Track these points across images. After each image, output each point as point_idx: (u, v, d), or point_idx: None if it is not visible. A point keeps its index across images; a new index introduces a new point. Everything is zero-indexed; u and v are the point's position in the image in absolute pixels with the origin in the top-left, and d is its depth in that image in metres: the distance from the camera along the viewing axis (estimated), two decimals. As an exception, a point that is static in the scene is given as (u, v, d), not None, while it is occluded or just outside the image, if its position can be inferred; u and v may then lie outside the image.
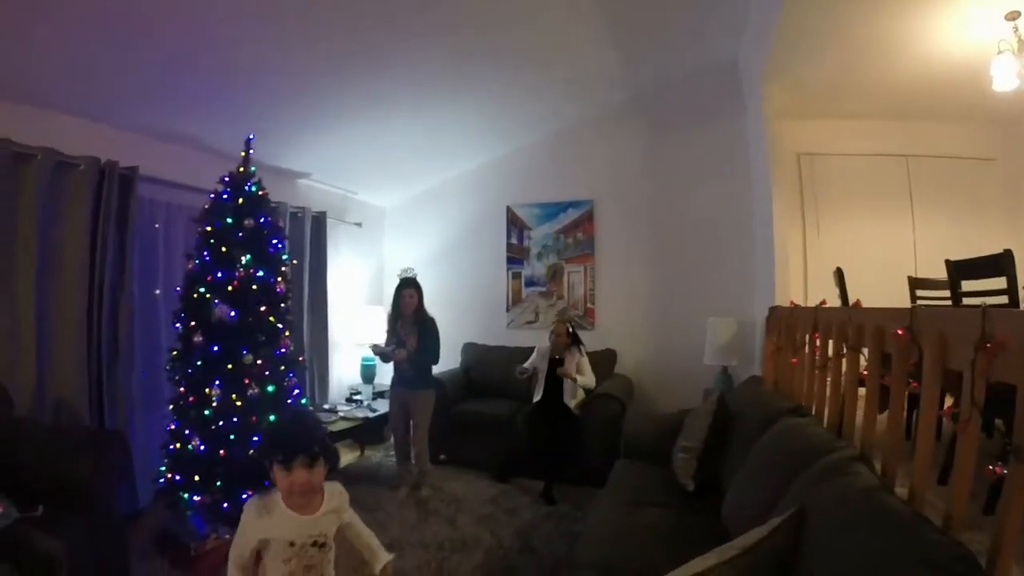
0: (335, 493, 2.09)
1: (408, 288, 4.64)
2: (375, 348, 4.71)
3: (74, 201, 3.83)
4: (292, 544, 1.94)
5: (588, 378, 4.96)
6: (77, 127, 3.94)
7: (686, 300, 5.75)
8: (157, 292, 4.47)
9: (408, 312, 4.64)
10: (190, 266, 3.72)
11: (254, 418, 3.54)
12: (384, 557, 2.17)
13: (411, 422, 4.70)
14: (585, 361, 5.03)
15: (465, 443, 5.39)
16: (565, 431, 4.79)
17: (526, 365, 5.11)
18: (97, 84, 3.76)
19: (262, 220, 3.79)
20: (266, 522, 1.95)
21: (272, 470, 1.94)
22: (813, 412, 3.03)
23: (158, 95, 4.04)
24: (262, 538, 1.94)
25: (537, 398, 5.03)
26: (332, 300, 6.15)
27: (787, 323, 3.75)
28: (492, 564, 3.60)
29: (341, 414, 5.46)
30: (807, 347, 3.30)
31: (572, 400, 4.91)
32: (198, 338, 3.54)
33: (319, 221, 6.02)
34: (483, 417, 5.40)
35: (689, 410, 3.97)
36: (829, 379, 2.83)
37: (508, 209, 6.53)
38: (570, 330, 5.11)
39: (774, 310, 4.33)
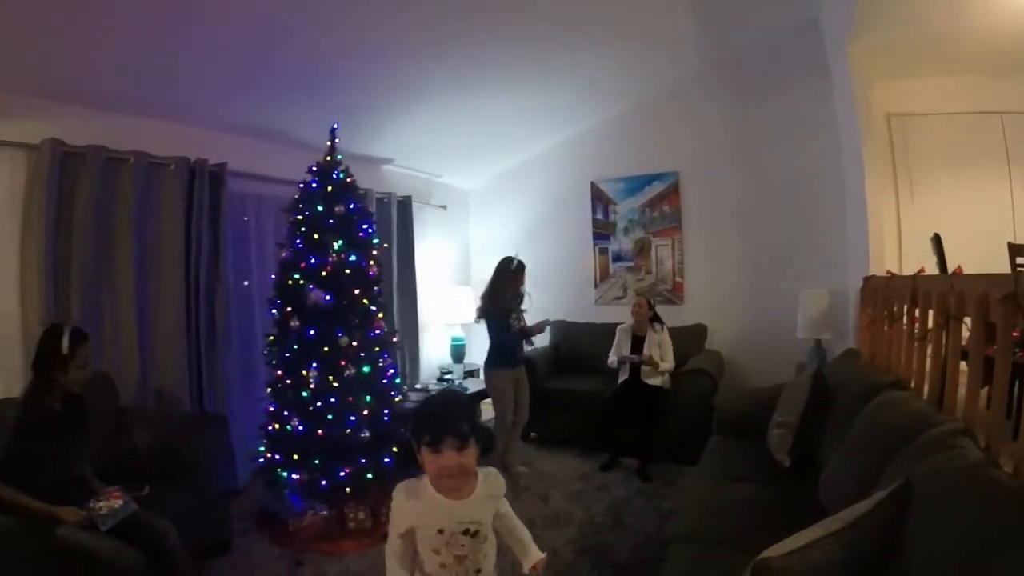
0: (489, 478, 1.95)
1: (523, 273, 4.68)
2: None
3: (167, 199, 4.03)
4: (441, 532, 1.82)
5: (668, 363, 4.94)
6: (167, 130, 4.14)
7: (777, 272, 5.58)
8: (245, 283, 4.65)
9: (520, 294, 4.70)
10: (283, 254, 3.86)
11: (350, 398, 3.66)
12: (536, 554, 2.02)
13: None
14: (667, 339, 5.01)
15: (555, 420, 5.39)
16: (654, 408, 4.76)
17: (615, 357, 5.10)
18: (182, 87, 3.92)
19: (351, 206, 3.89)
20: (414, 507, 1.86)
21: (420, 452, 1.84)
22: (912, 386, 2.89)
23: (241, 92, 4.18)
24: (410, 525, 1.86)
25: (623, 377, 5.02)
26: (420, 282, 6.25)
27: (883, 294, 3.61)
28: (584, 539, 3.62)
29: (433, 393, 5.52)
30: (905, 318, 3.16)
31: (652, 379, 4.89)
32: (294, 323, 3.67)
33: (405, 205, 6.11)
34: (573, 394, 5.40)
35: (783, 385, 3.84)
36: (929, 351, 2.71)
37: (592, 185, 6.46)
38: (650, 304, 5.10)
39: (869, 280, 4.16)
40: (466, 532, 1.83)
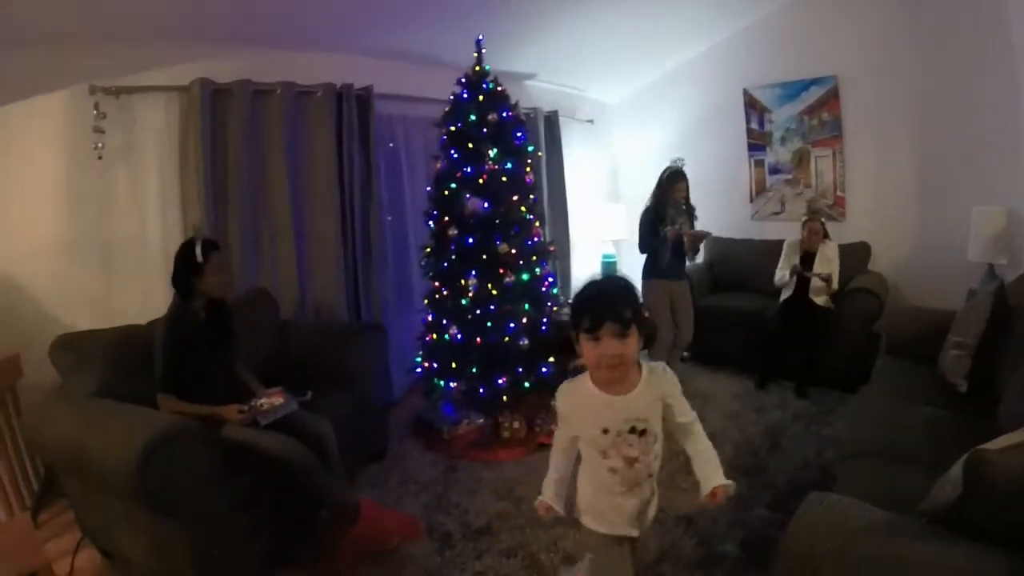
0: (656, 373, 1.80)
1: (681, 181, 4.42)
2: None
3: (317, 124, 4.17)
4: (606, 431, 1.73)
5: (833, 281, 4.66)
6: (311, 59, 4.27)
7: (947, 187, 5.06)
8: (389, 219, 4.73)
9: (679, 203, 4.43)
10: (438, 165, 3.92)
11: (509, 306, 3.72)
12: (719, 479, 1.78)
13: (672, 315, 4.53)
14: (836, 256, 4.73)
15: (711, 339, 5.16)
16: (819, 329, 4.56)
17: (784, 273, 4.79)
18: (324, 16, 3.99)
19: (504, 114, 3.87)
20: (576, 407, 1.79)
21: (579, 342, 1.73)
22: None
23: (383, 14, 4.19)
24: (575, 432, 1.83)
25: (787, 295, 4.78)
26: (570, 198, 6.19)
27: None
28: (741, 459, 3.57)
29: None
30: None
31: (819, 297, 4.64)
32: (452, 231, 3.74)
33: (551, 120, 6.01)
34: (729, 312, 5.22)
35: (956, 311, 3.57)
36: None
37: (745, 92, 6.08)
38: (823, 225, 4.79)
39: None
40: (633, 430, 1.72)
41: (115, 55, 3.70)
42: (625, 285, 1.78)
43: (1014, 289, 3.23)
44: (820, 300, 4.64)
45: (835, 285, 4.64)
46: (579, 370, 1.82)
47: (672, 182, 4.38)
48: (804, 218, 4.80)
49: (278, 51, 4.15)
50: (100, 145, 3.57)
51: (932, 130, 5.13)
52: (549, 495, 1.93)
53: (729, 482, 1.77)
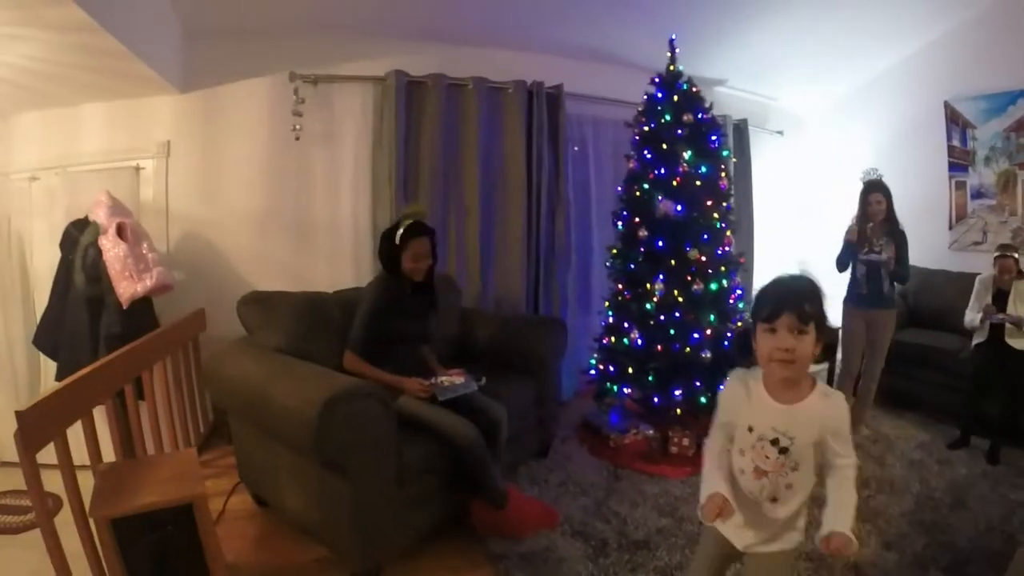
0: (831, 399, 1.68)
1: (875, 192, 4.06)
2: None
3: (508, 120, 4.23)
4: (751, 430, 1.69)
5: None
6: (503, 57, 4.39)
7: None
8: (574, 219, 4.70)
9: (877, 219, 4.06)
10: (631, 165, 3.83)
11: (693, 315, 3.56)
12: (841, 528, 1.58)
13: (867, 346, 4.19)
14: None
15: (899, 379, 4.73)
16: (1018, 376, 4.00)
17: (975, 315, 4.20)
18: (518, 14, 4.10)
19: (700, 116, 3.73)
20: (738, 394, 1.74)
21: (755, 335, 1.67)
22: None
23: (575, 14, 4.22)
24: (730, 416, 1.76)
25: (980, 339, 4.20)
26: (756, 212, 5.95)
27: None
28: (922, 513, 3.21)
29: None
30: None
31: (1017, 341, 4.04)
32: (643, 232, 3.62)
33: (741, 129, 5.80)
34: (921, 350, 4.75)
35: None
36: None
37: (946, 105, 5.53)
38: (1016, 260, 4.16)
39: None
40: (775, 443, 1.65)
41: (315, 47, 4.02)
42: (811, 283, 1.69)
43: None
44: (1020, 344, 4.05)
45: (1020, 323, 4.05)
46: None
47: (865, 194, 4.07)
48: (996, 253, 4.23)
49: (470, 47, 4.29)
50: (298, 127, 3.90)
51: None
52: (720, 487, 1.69)
53: (852, 536, 1.58)
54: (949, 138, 5.56)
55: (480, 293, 4.18)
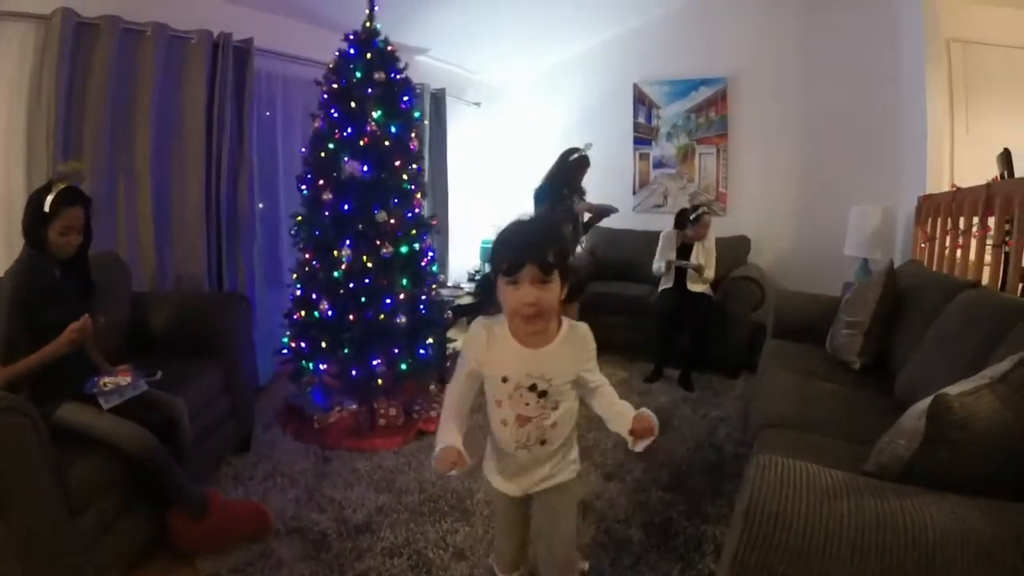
0: (577, 332, 1.68)
1: (587, 168, 4.41)
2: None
3: (189, 75, 3.70)
4: (505, 380, 1.61)
5: (710, 271, 4.68)
6: (189, 3, 3.82)
7: (825, 188, 5.37)
8: (260, 206, 4.27)
9: (578, 185, 4.44)
10: (316, 124, 3.56)
11: (386, 280, 3.40)
12: (634, 412, 1.66)
13: None
14: (713, 248, 4.74)
15: (594, 325, 5.00)
16: (701, 314, 4.54)
17: (662, 263, 4.77)
18: None
19: (393, 75, 3.57)
20: (486, 343, 1.64)
21: (498, 286, 1.58)
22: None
23: None
24: (477, 364, 1.65)
25: (667, 285, 4.76)
26: (451, 180, 5.96)
27: (946, 209, 3.54)
28: None
29: (467, 290, 5.30)
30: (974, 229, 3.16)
31: (696, 286, 4.66)
32: (327, 195, 3.39)
33: (438, 99, 5.77)
34: (613, 298, 5.15)
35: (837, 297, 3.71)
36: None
37: (635, 87, 6.08)
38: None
39: (926, 199, 4.06)
40: (532, 388, 1.60)
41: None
42: (551, 227, 1.67)
43: (901, 273, 3.33)
44: (697, 288, 4.65)
45: (710, 274, 4.67)
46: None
47: (579, 167, 4.37)
48: (702, 211, 4.70)
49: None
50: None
51: (815, 131, 5.43)
52: (454, 439, 1.59)
53: (648, 411, 1.65)
54: (636, 115, 6.13)
55: (156, 272, 3.62)
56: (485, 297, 1.70)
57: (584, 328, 1.71)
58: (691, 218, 4.64)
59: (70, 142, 3.26)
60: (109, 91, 3.36)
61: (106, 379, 2.36)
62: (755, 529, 1.04)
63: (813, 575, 1.02)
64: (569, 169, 4.33)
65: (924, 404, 1.38)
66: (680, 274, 4.70)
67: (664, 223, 5.08)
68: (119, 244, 3.45)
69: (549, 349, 1.62)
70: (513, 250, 1.52)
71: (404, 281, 3.48)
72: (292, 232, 3.63)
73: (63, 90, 3.19)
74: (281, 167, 4.47)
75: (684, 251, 4.74)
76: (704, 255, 4.67)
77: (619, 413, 1.69)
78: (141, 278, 3.50)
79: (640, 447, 1.63)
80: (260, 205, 4.23)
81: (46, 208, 2.27)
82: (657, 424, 1.63)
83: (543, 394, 1.61)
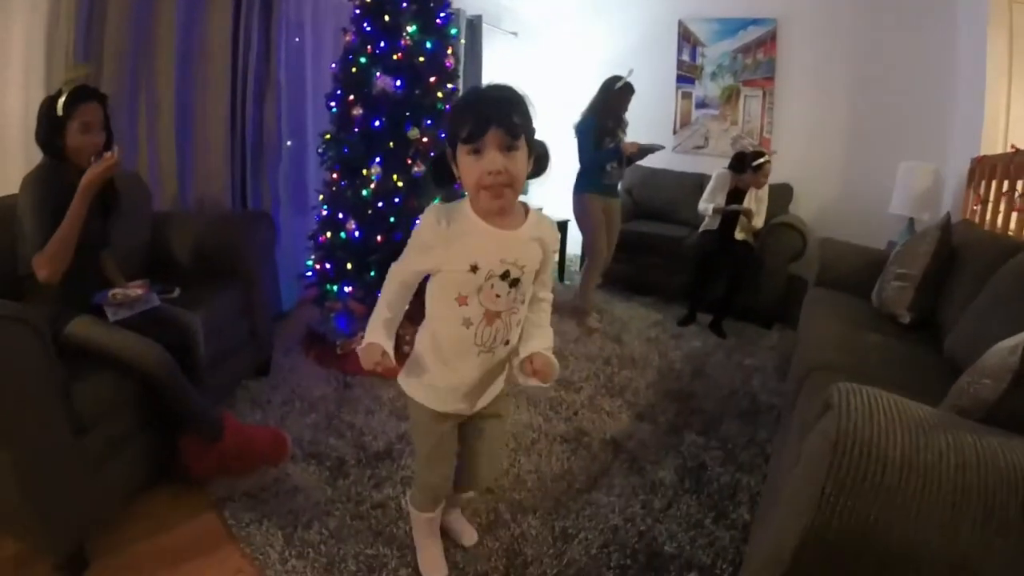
0: (544, 220, 1.54)
1: (631, 95, 4.20)
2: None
3: None
4: (474, 269, 1.42)
5: (760, 219, 4.48)
6: None
7: (873, 141, 5.11)
8: (288, 143, 4.12)
9: (621, 115, 4.24)
10: (348, 39, 3.38)
11: (415, 201, 3.26)
12: (544, 347, 1.53)
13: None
14: (766, 195, 4.53)
15: (629, 265, 5.02)
16: (743, 263, 4.38)
17: (709, 204, 4.52)
18: None
19: (429, -13, 3.37)
20: (443, 236, 1.43)
21: (456, 161, 1.42)
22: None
23: None
24: (435, 261, 1.47)
25: (711, 227, 4.54)
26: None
27: (1004, 171, 3.37)
28: (667, 384, 3.34)
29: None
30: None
31: (740, 233, 4.46)
32: (357, 111, 3.24)
33: (474, 26, 5.57)
34: (649, 238, 5.00)
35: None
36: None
37: (680, 23, 5.81)
38: None
39: (981, 160, 3.84)
40: (505, 276, 1.44)
41: None
42: (514, 91, 1.44)
43: (955, 230, 3.14)
44: (740, 236, 4.46)
45: (759, 222, 4.46)
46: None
47: (624, 95, 4.15)
48: (766, 159, 4.45)
49: None
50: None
51: (866, 83, 5.14)
52: (380, 337, 1.50)
53: (551, 357, 1.51)
54: (680, 53, 5.86)
55: (178, 193, 3.48)
56: (437, 179, 1.51)
57: (550, 218, 1.59)
58: (753, 164, 4.40)
59: (90, 59, 3.07)
60: (132, 9, 3.18)
61: (116, 291, 2.26)
62: (846, 462, 0.89)
63: (910, 518, 0.88)
64: (614, 98, 4.12)
65: (1012, 341, 1.25)
66: (729, 219, 4.49)
67: (705, 165, 4.97)
68: (140, 164, 3.31)
69: (521, 232, 1.46)
70: (474, 114, 1.35)
71: (436, 201, 3.33)
72: (320, 151, 3.48)
73: (84, 9, 3.02)
74: (310, 92, 4.29)
75: (735, 196, 4.52)
76: (756, 204, 4.46)
77: (532, 336, 1.56)
78: (162, 199, 3.39)
79: (523, 383, 1.52)
80: (288, 143, 4.08)
81: (59, 112, 2.12)
82: (555, 376, 1.50)
83: (515, 283, 1.46)
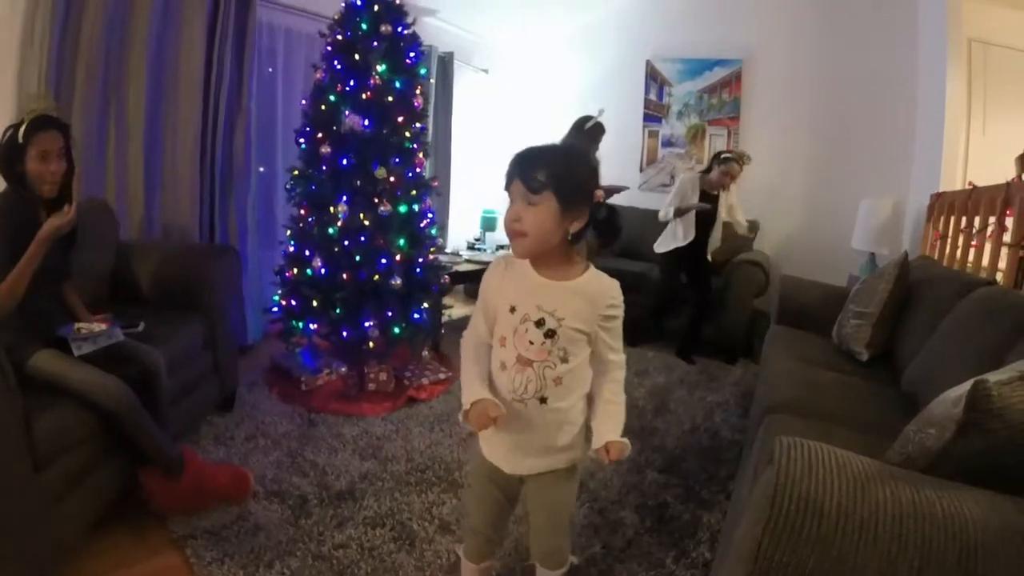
0: (603, 281, 1.50)
1: (598, 135, 4.26)
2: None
3: (188, 19, 3.53)
4: (513, 310, 1.47)
5: (744, 227, 4.51)
6: None
7: (835, 179, 5.28)
8: (261, 170, 4.17)
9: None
10: (318, 76, 3.43)
11: (382, 240, 3.29)
12: (614, 435, 1.50)
13: None
14: (738, 203, 4.53)
15: None
16: (707, 285, 4.42)
17: (672, 209, 4.38)
18: None
19: (400, 29, 3.43)
20: (499, 276, 1.53)
21: None
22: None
23: None
24: (489, 297, 1.54)
25: (688, 239, 4.37)
26: (455, 148, 5.85)
27: (961, 207, 3.47)
28: (629, 421, 3.27)
29: (465, 257, 5.17)
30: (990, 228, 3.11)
31: (712, 249, 4.53)
32: (325, 149, 3.27)
33: (445, 62, 5.63)
34: (617, 275, 4.92)
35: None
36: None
37: (648, 63, 5.96)
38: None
39: (940, 196, 3.97)
40: (540, 324, 1.43)
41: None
42: (565, 152, 1.52)
43: (913, 266, 3.23)
44: (712, 252, 4.52)
45: (742, 229, 4.54)
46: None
47: (595, 134, 4.22)
48: (726, 156, 4.36)
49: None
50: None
51: (829, 121, 5.33)
52: (481, 392, 1.47)
53: (626, 441, 1.49)
54: (647, 92, 6.00)
55: (144, 222, 3.49)
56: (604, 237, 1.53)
57: (614, 283, 1.52)
58: (721, 157, 4.33)
59: (62, 85, 3.11)
60: (104, 35, 3.21)
61: (80, 325, 2.24)
62: (782, 517, 0.92)
63: (847, 569, 0.91)
64: (586, 138, 4.17)
65: (956, 392, 1.27)
66: (705, 229, 4.42)
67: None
68: (107, 191, 3.33)
69: (568, 285, 1.46)
70: (510, 166, 1.43)
71: (401, 241, 3.38)
72: (287, 187, 3.51)
73: (56, 33, 3.03)
74: (280, 123, 4.34)
75: (704, 201, 4.37)
76: (728, 211, 4.45)
77: (608, 416, 1.54)
78: (129, 227, 3.38)
79: (596, 458, 1.53)
80: (261, 169, 4.11)
81: (20, 139, 2.11)
82: (629, 451, 1.52)
83: (550, 334, 1.44)
